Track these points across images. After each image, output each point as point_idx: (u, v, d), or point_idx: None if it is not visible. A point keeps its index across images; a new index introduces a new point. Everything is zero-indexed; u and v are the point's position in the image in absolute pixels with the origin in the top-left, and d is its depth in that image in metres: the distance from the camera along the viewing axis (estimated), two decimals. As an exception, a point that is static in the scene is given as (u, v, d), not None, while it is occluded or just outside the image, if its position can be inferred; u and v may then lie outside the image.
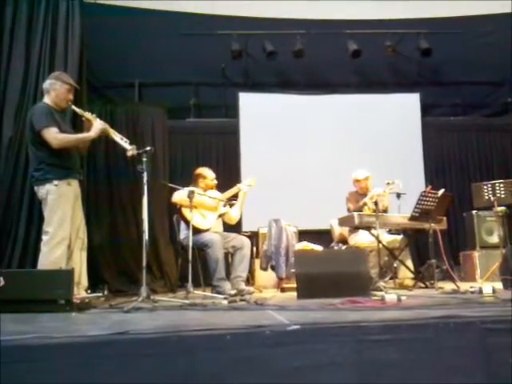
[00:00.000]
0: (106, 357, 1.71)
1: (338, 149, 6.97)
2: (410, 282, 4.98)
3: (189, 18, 6.77)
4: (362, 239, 5.03)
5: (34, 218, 4.17)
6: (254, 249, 5.55)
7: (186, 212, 4.46)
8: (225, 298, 3.75)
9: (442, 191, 4.69)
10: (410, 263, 5.18)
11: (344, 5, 6.89)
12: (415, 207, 4.65)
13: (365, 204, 5.03)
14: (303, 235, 5.76)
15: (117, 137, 3.82)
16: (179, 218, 4.68)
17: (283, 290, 5.10)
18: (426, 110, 7.34)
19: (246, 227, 6.25)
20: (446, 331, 1.93)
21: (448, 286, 4.49)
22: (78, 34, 4.57)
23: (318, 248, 5.25)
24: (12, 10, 4.46)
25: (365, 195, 5.13)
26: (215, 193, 4.79)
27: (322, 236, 5.87)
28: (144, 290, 3.34)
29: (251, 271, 5.43)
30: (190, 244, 4.10)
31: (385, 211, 5.09)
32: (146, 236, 3.49)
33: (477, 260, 5.89)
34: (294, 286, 4.11)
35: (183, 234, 4.61)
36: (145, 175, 3.57)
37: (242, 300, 3.68)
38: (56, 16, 4.53)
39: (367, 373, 1.83)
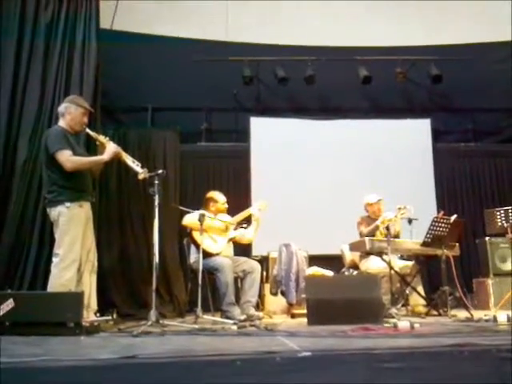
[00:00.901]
0: (114, 381, 1.69)
1: (349, 173, 6.95)
2: (422, 309, 4.89)
3: (201, 44, 6.90)
4: (373, 265, 4.98)
5: (45, 240, 4.20)
6: (264, 273, 5.51)
7: (196, 235, 4.45)
8: (234, 324, 3.70)
9: (454, 217, 4.65)
10: (421, 290, 5.10)
11: (355, 31, 6.99)
12: (427, 233, 4.60)
13: (377, 227, 4.99)
14: (313, 260, 5.70)
15: (129, 160, 3.87)
16: (189, 242, 4.67)
17: (293, 315, 5.03)
18: (437, 135, 7.33)
19: (256, 251, 6.21)
20: (461, 359, 1.89)
21: (461, 313, 4.41)
22: (94, 59, 4.67)
23: (329, 273, 5.20)
24: (30, 35, 4.58)
25: (377, 219, 5.10)
26: (226, 216, 4.79)
27: (332, 261, 5.80)
28: (153, 314, 3.33)
29: (261, 296, 5.38)
30: (201, 268, 4.08)
31: (396, 236, 5.05)
32: (156, 259, 3.49)
33: (490, 288, 5.78)
34: (305, 311, 4.06)
35: (193, 257, 4.60)
36: (156, 198, 3.59)
37: (251, 325, 3.64)
38: (73, 41, 4.65)
39: (380, 401, 1.78)
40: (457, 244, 4.85)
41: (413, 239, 4.91)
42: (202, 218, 4.21)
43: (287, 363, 1.81)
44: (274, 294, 5.30)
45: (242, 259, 4.73)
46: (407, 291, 5.01)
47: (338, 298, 3.74)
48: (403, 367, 1.84)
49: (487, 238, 6.05)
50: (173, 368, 1.75)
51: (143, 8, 6.62)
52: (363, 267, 5.11)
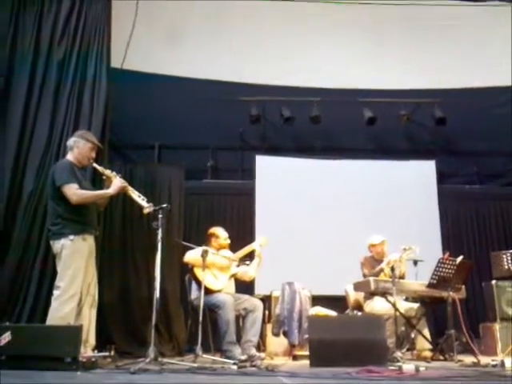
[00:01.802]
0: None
1: (353, 214, 6.94)
2: (428, 354, 4.77)
3: (208, 84, 7.05)
4: (377, 306, 4.89)
5: (47, 273, 4.17)
6: (266, 313, 5.42)
7: (198, 272, 4.41)
8: (234, 364, 3.62)
9: (460, 258, 4.60)
10: (427, 333, 4.98)
11: (359, 74, 7.13)
12: (433, 274, 4.54)
13: (381, 270, 4.93)
14: (316, 301, 5.61)
15: (135, 194, 3.89)
16: (191, 278, 4.62)
17: (295, 357, 4.92)
18: (442, 177, 7.35)
19: (259, 290, 6.13)
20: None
21: (468, 358, 4.29)
22: (104, 96, 4.76)
23: (333, 313, 5.10)
24: (43, 70, 4.70)
25: (381, 260, 5.05)
26: (228, 252, 4.75)
27: (335, 302, 5.71)
28: (152, 351, 3.25)
29: (262, 336, 5.26)
30: (202, 305, 4.02)
31: (402, 277, 4.98)
32: (157, 293, 3.45)
33: (497, 333, 5.64)
34: (307, 353, 3.97)
35: (194, 294, 4.54)
36: (159, 232, 3.58)
37: (252, 366, 3.55)
38: (84, 78, 4.75)
39: None
40: (463, 286, 4.77)
41: (418, 281, 4.84)
42: (204, 254, 4.19)
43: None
44: (276, 334, 5.19)
45: (244, 297, 4.66)
46: (413, 335, 4.90)
47: (342, 339, 3.67)
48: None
49: (494, 282, 5.95)
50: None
51: (152, 48, 6.81)
52: (367, 308, 5.02)
